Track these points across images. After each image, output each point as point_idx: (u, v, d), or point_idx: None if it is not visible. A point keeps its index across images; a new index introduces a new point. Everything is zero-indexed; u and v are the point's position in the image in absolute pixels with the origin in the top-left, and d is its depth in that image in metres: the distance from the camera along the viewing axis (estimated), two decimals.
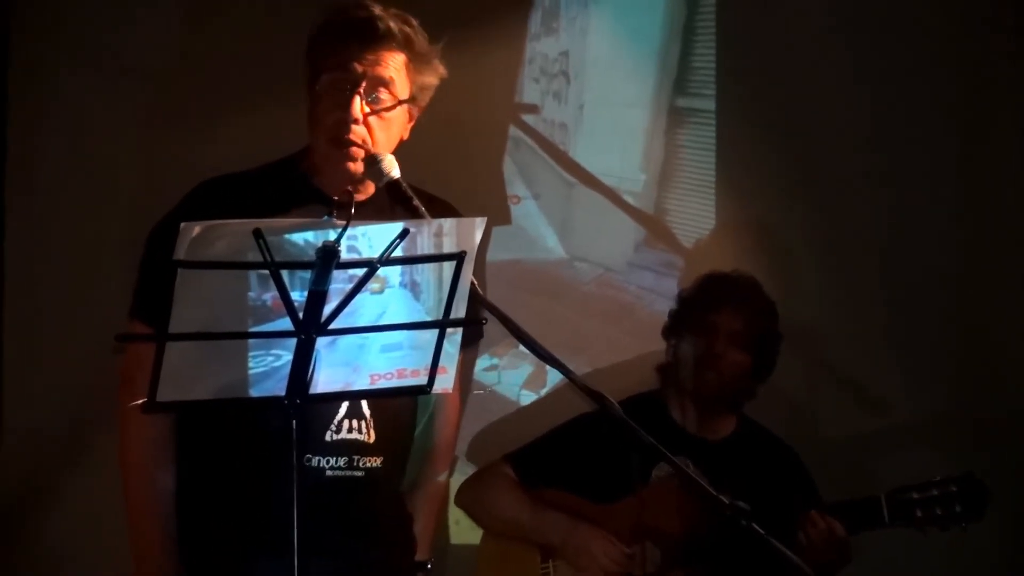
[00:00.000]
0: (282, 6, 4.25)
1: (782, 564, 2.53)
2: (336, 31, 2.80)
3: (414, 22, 2.83)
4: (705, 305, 3.84)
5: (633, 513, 3.65)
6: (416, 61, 2.82)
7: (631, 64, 4.53)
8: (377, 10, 2.81)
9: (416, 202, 2.67)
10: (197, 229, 2.25)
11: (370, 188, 2.81)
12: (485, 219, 2.43)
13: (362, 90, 2.76)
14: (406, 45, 2.80)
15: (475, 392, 4.39)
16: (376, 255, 2.32)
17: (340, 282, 2.31)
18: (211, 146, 4.10)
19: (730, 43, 4.51)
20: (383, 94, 2.78)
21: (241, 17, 4.30)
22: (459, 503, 3.87)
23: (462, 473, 4.11)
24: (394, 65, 2.79)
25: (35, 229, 4.25)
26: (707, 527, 3.55)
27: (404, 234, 2.33)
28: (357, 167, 2.77)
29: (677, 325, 3.91)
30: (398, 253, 2.34)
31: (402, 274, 2.39)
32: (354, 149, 2.76)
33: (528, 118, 4.52)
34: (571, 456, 3.77)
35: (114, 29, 4.27)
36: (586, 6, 4.52)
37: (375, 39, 2.77)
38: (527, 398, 4.46)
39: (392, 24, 2.79)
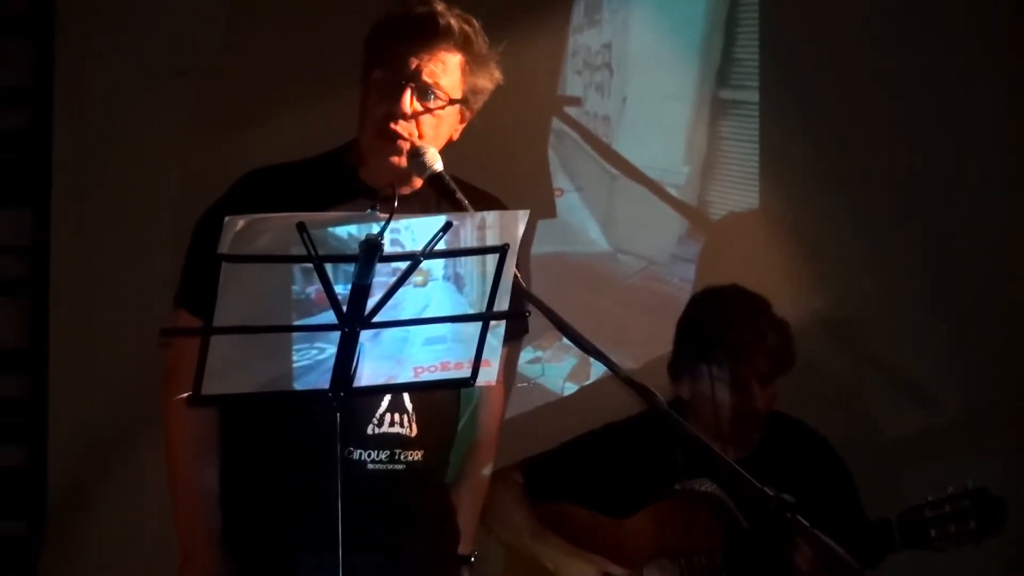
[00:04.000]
0: (326, 3, 4.26)
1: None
2: (395, 26, 2.79)
3: (476, 23, 2.81)
4: (726, 351, 3.62)
5: (651, 528, 3.59)
6: (473, 63, 2.79)
7: (674, 56, 4.52)
8: (439, 7, 2.79)
9: (459, 195, 2.67)
10: (241, 223, 2.25)
11: (417, 182, 2.80)
12: (528, 212, 2.42)
13: (414, 86, 2.75)
14: (464, 45, 2.78)
15: (519, 384, 4.39)
16: (419, 248, 2.32)
17: (383, 275, 2.31)
18: (256, 142, 4.12)
19: (773, 34, 4.49)
20: (435, 92, 2.76)
21: (285, 14, 4.31)
22: None
23: None
24: (449, 64, 2.77)
25: (82, 226, 4.28)
26: (731, 543, 3.52)
27: (447, 227, 2.32)
28: (402, 161, 2.75)
29: (689, 364, 3.68)
30: (441, 246, 2.34)
31: (445, 267, 2.38)
32: (400, 142, 2.75)
33: (571, 111, 4.51)
34: (585, 470, 3.70)
35: (159, 27, 4.29)
36: None
37: (433, 36, 2.75)
38: (570, 390, 4.45)
39: (452, 22, 2.76)
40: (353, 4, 4.09)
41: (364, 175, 2.83)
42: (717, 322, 3.68)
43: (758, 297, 3.71)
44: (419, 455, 2.83)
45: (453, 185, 2.69)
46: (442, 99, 2.77)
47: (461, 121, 2.85)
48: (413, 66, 2.75)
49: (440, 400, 2.87)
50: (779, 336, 3.67)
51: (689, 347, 3.71)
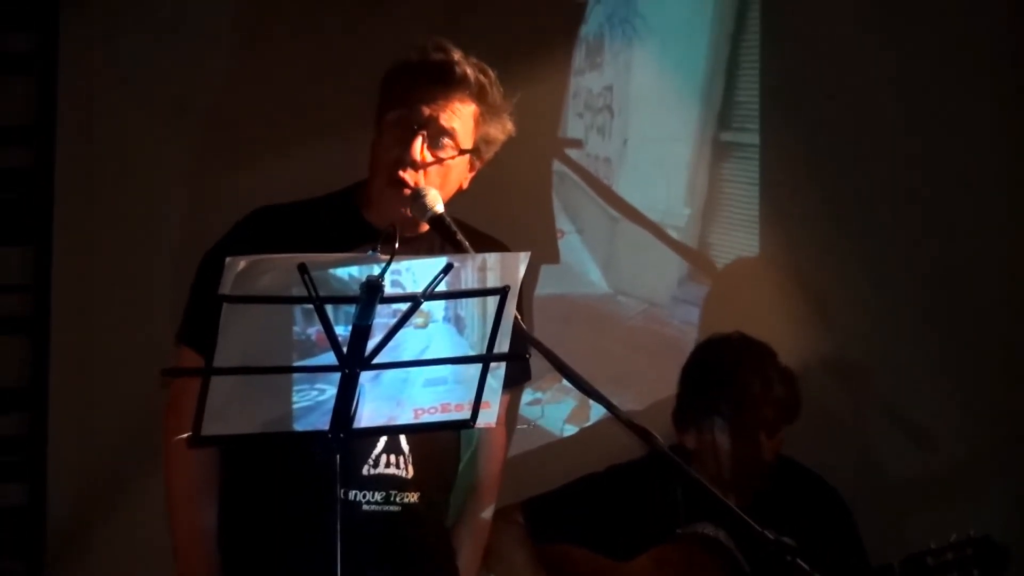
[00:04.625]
0: (332, 41, 4.28)
1: None
2: (411, 71, 2.79)
3: (491, 73, 2.81)
4: (732, 401, 3.61)
5: (652, 570, 3.55)
6: (487, 113, 2.80)
7: (675, 99, 4.53)
8: (456, 55, 2.79)
9: (460, 236, 2.67)
10: (242, 263, 2.26)
11: (423, 226, 2.79)
12: (529, 254, 2.42)
13: (425, 134, 2.74)
14: (479, 96, 2.78)
15: (519, 426, 4.38)
16: (420, 290, 2.33)
17: (384, 316, 2.31)
18: (260, 178, 4.12)
19: (774, 77, 4.50)
20: (446, 141, 2.76)
21: (291, 49, 4.32)
22: None
23: None
24: (462, 114, 2.77)
25: (83, 264, 4.28)
26: None
27: (448, 268, 2.33)
28: (408, 211, 2.75)
29: (694, 414, 3.67)
30: (442, 288, 2.34)
31: (446, 309, 2.39)
32: (407, 191, 2.75)
33: (572, 153, 4.52)
34: (587, 511, 3.67)
35: (162, 65, 4.30)
36: (630, 41, 4.52)
37: (449, 84, 2.76)
38: (570, 432, 4.44)
39: (469, 71, 2.77)
40: (359, 44, 4.13)
41: (371, 217, 2.83)
42: (723, 371, 3.67)
43: (764, 345, 3.70)
44: (415, 497, 2.82)
45: (454, 227, 2.69)
46: (453, 148, 2.77)
47: (471, 170, 2.84)
48: (426, 114, 2.75)
49: (439, 442, 2.86)
50: (785, 385, 3.66)
51: (694, 397, 3.70)
